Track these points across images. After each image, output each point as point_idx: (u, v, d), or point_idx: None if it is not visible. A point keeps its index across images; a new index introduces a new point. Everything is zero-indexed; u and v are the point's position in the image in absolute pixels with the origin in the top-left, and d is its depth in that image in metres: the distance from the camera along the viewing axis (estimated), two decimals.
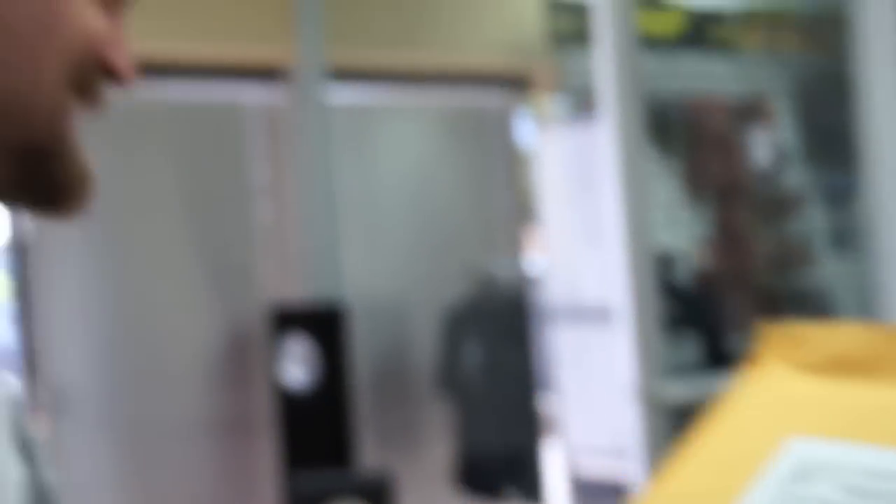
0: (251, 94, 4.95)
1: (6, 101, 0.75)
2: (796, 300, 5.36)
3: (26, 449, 1.06)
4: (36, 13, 0.74)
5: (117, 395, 4.59)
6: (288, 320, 4.57)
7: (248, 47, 4.80)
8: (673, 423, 2.99)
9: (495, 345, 4.98)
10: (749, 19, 4.88)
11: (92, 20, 0.76)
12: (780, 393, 0.96)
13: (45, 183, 0.78)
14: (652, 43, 3.96)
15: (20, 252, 4.55)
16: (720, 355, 4.55)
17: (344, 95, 5.00)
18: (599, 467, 4.62)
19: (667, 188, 4.91)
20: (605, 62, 2.99)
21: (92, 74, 0.78)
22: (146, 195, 4.75)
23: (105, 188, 3.18)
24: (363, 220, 5.12)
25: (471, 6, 5.31)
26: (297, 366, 4.51)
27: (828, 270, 5.45)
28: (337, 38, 4.81)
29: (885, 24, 2.97)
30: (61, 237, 4.55)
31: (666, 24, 4.39)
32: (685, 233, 5.06)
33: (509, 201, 5.54)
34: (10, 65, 0.74)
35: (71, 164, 0.79)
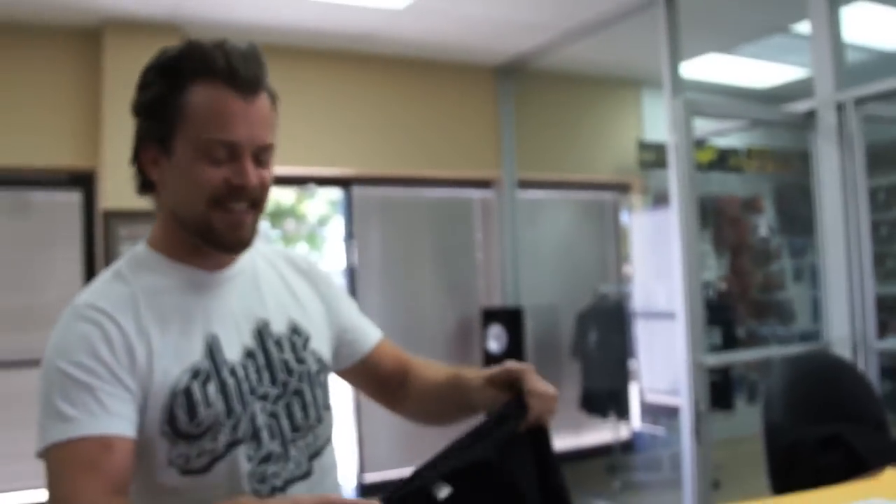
0: (476, 194, 4.99)
1: (186, 217, 0.96)
2: (773, 308, 5.40)
3: (320, 292, 1.11)
4: (186, 187, 0.95)
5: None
6: (491, 315, 4.64)
7: (476, 170, 4.91)
8: (707, 378, 2.89)
9: (605, 331, 4.82)
10: (750, 153, 4.80)
11: (211, 175, 0.92)
12: None
13: (211, 242, 0.98)
14: (699, 166, 3.65)
15: (351, 274, 4.56)
16: (732, 339, 4.53)
17: (525, 194, 5.02)
18: (660, 399, 4.62)
19: (704, 246, 4.93)
20: (674, 177, 2.94)
21: (228, 193, 0.93)
22: (420, 247, 4.76)
23: (398, 245, 4.09)
24: (534, 261, 5.04)
25: (596, 146, 5.18)
26: (495, 340, 4.59)
27: (791, 293, 5.44)
28: (522, 165, 4.94)
29: (830, 156, 2.94)
30: (376, 269, 4.59)
31: (706, 156, 4.36)
32: (714, 271, 5.21)
33: (615, 252, 5.41)
34: (184, 205, 0.96)
35: (221, 235, 0.95)
